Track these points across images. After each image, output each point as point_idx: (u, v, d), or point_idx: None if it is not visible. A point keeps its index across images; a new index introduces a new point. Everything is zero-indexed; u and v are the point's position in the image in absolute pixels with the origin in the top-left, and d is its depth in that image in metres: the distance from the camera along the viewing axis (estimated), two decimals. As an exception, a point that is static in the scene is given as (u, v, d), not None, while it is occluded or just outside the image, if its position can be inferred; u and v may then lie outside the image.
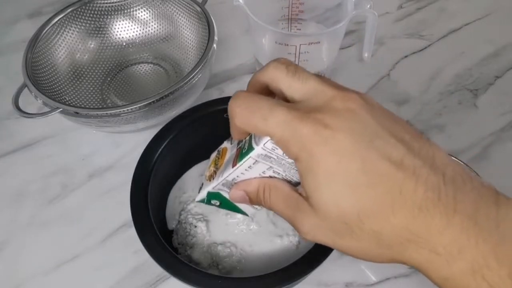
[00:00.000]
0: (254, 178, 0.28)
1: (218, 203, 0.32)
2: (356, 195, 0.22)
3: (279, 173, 0.27)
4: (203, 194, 0.32)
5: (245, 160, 0.26)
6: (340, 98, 0.23)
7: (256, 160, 0.26)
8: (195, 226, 0.38)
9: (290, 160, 0.26)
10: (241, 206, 0.31)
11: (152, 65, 0.55)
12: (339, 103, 0.23)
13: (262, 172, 0.27)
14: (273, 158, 0.26)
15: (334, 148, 0.22)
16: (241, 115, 0.24)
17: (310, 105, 0.23)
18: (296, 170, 0.26)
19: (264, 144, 0.25)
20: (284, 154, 0.25)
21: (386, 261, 0.24)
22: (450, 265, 0.22)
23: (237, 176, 0.28)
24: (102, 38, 0.54)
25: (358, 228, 0.23)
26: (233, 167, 0.28)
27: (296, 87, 0.25)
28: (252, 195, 0.28)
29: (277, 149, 0.25)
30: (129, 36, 0.55)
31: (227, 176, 0.28)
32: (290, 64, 0.25)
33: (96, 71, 0.53)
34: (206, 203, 0.32)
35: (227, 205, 0.32)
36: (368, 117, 0.23)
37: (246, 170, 0.27)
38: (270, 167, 0.27)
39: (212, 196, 0.31)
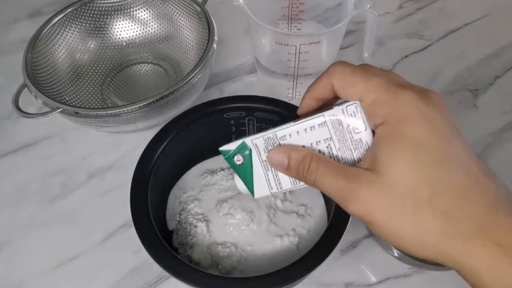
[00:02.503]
0: (303, 146, 0.26)
1: (240, 162, 0.29)
2: (438, 169, 0.22)
3: (331, 151, 0.26)
4: (235, 143, 0.28)
5: (314, 117, 0.25)
6: (436, 93, 0.25)
7: (325, 122, 0.25)
8: (195, 226, 0.38)
9: (357, 137, 0.25)
10: (256, 181, 0.29)
11: (152, 65, 0.55)
12: (435, 95, 0.25)
13: (316, 143, 0.26)
14: (341, 128, 0.25)
15: (429, 122, 0.23)
16: (342, 74, 0.25)
17: (410, 85, 0.25)
18: (354, 150, 0.25)
19: (346, 107, 0.25)
20: (355, 128, 0.25)
21: (431, 255, 0.23)
22: None
23: (289, 135, 0.26)
24: (102, 38, 0.54)
25: (427, 203, 0.22)
26: (294, 121, 0.26)
27: (396, 76, 0.26)
28: (294, 162, 0.26)
29: (355, 116, 0.25)
30: (129, 36, 0.55)
31: (278, 130, 0.26)
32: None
33: (96, 71, 0.53)
34: (229, 156, 0.29)
35: (245, 170, 0.29)
36: (452, 116, 0.24)
37: (305, 130, 0.26)
38: (329, 138, 0.25)
39: (241, 150, 0.28)
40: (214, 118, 0.41)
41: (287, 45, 0.44)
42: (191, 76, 0.43)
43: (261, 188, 0.29)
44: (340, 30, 0.45)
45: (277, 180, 0.28)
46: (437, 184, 0.22)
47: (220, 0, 0.57)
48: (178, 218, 0.40)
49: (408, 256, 0.37)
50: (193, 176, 0.43)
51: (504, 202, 0.22)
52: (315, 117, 0.26)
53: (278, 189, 0.28)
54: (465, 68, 0.56)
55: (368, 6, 0.44)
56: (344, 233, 0.33)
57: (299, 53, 0.44)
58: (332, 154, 0.26)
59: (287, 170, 0.27)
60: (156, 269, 0.32)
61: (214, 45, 0.46)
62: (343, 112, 0.25)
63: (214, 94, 0.54)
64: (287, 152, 0.26)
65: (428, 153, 0.23)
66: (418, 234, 0.23)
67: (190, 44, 0.53)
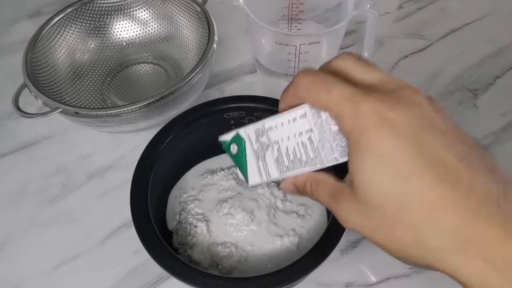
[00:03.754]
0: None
1: (235, 151, 0.30)
2: (402, 182, 0.21)
3: (312, 143, 0.26)
4: (231, 134, 0.30)
5: (296, 109, 0.26)
6: (410, 90, 0.22)
7: (305, 113, 0.25)
8: (195, 226, 0.38)
9: (335, 128, 0.25)
10: (250, 169, 0.30)
11: (152, 65, 0.55)
12: (407, 93, 0.22)
13: (299, 134, 0.26)
14: (320, 120, 0.25)
15: (391, 130, 0.21)
16: (306, 86, 0.25)
17: (377, 89, 0.23)
18: (333, 142, 0.26)
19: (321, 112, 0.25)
20: (332, 120, 0.25)
21: (423, 265, 0.22)
22: (510, 283, 0.19)
23: (275, 126, 0.27)
24: (102, 38, 0.54)
25: (397, 220, 0.21)
26: (280, 113, 0.27)
27: (367, 76, 0.24)
28: (300, 188, 0.28)
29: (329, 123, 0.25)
30: (129, 36, 0.55)
31: (266, 122, 0.27)
32: (360, 56, 0.26)
33: (96, 71, 0.53)
34: (227, 145, 0.31)
35: (240, 159, 0.30)
36: (434, 114, 0.22)
37: (288, 122, 0.26)
38: (310, 130, 0.26)
39: (236, 140, 0.30)
40: (214, 118, 0.41)
41: (287, 45, 0.44)
42: (191, 76, 0.43)
43: (254, 176, 0.30)
44: (340, 30, 0.45)
45: (266, 170, 0.29)
46: (402, 198, 0.21)
47: (220, 0, 0.57)
48: (178, 218, 0.40)
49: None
50: (193, 176, 0.43)
51: (491, 204, 0.20)
52: (297, 109, 0.26)
53: (267, 178, 0.29)
54: (465, 68, 0.56)
55: (368, 6, 0.44)
56: (344, 233, 0.33)
57: (299, 53, 0.44)
58: (314, 146, 0.27)
59: (299, 194, 0.29)
60: (156, 269, 0.32)
61: (214, 45, 0.46)
62: (319, 114, 0.26)
63: (214, 94, 0.54)
64: (292, 181, 0.28)
65: (392, 165, 0.21)
66: (402, 248, 0.22)
67: (190, 44, 0.53)
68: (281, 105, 0.27)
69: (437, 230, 0.20)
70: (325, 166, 0.26)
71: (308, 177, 0.28)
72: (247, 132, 0.29)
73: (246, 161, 0.30)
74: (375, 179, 0.22)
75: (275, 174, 0.29)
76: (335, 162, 0.26)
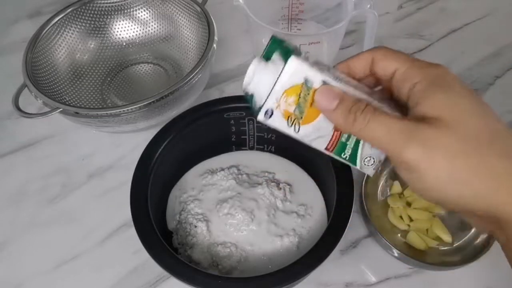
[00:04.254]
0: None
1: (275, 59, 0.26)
2: (492, 120, 0.25)
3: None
4: (289, 44, 0.27)
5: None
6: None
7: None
8: (195, 226, 0.38)
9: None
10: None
11: (152, 65, 0.55)
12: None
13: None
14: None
15: (462, 84, 0.25)
16: (384, 51, 0.28)
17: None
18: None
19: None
20: None
21: (482, 207, 0.24)
22: None
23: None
24: (102, 38, 0.54)
25: (490, 146, 0.23)
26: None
27: (416, 72, 0.26)
28: (349, 102, 0.26)
29: None
30: (129, 36, 0.55)
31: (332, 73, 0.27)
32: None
33: (96, 71, 0.53)
34: (267, 52, 0.27)
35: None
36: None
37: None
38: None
39: (284, 51, 0.26)
40: (214, 118, 0.41)
41: (287, 45, 0.44)
42: (191, 76, 0.43)
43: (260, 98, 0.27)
44: (340, 30, 0.45)
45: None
46: (496, 132, 0.24)
47: (220, 0, 0.57)
48: (178, 218, 0.40)
49: (408, 257, 0.37)
50: (193, 176, 0.43)
51: None
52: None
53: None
54: (465, 68, 0.56)
55: (368, 6, 0.44)
56: (344, 233, 0.33)
57: (299, 53, 0.44)
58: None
59: (334, 110, 0.26)
60: (156, 269, 0.32)
61: (214, 45, 0.46)
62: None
63: (214, 94, 0.54)
64: (340, 93, 0.26)
65: (478, 103, 0.25)
66: (478, 177, 0.23)
67: (190, 44, 0.53)
68: (342, 64, 0.29)
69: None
70: None
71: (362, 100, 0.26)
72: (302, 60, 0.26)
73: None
74: (468, 112, 0.24)
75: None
76: None
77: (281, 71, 0.26)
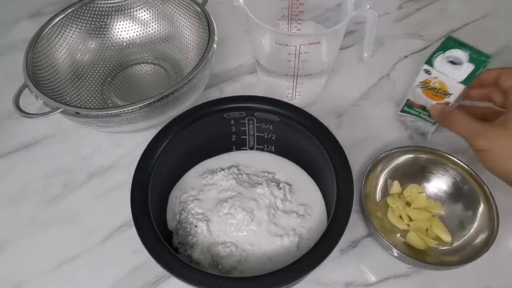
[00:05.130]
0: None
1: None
2: None
3: None
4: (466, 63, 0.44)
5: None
6: None
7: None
8: (196, 226, 0.39)
9: None
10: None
11: (152, 65, 0.55)
12: None
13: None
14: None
15: None
16: (509, 73, 0.43)
17: None
18: None
19: None
20: None
21: None
22: None
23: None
24: (102, 39, 0.54)
25: None
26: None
27: None
28: (444, 108, 0.42)
29: None
30: (130, 36, 0.55)
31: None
32: None
33: (97, 71, 0.53)
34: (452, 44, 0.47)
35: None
36: None
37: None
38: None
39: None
40: (214, 118, 0.41)
41: (287, 45, 0.44)
42: (191, 76, 0.43)
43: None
44: (340, 30, 0.45)
45: None
46: None
47: (220, 0, 0.57)
48: (178, 218, 0.40)
49: (408, 256, 0.37)
50: (193, 176, 0.43)
51: None
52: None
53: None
54: (465, 68, 0.55)
55: (368, 6, 0.44)
56: (344, 233, 0.33)
57: (299, 53, 0.44)
58: None
59: (442, 114, 0.42)
60: (156, 269, 0.32)
61: (214, 45, 0.46)
62: None
63: (214, 94, 0.54)
64: (442, 105, 0.43)
65: None
66: None
67: (190, 44, 0.53)
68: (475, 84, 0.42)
69: None
70: None
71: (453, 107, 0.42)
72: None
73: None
74: None
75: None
76: None
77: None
